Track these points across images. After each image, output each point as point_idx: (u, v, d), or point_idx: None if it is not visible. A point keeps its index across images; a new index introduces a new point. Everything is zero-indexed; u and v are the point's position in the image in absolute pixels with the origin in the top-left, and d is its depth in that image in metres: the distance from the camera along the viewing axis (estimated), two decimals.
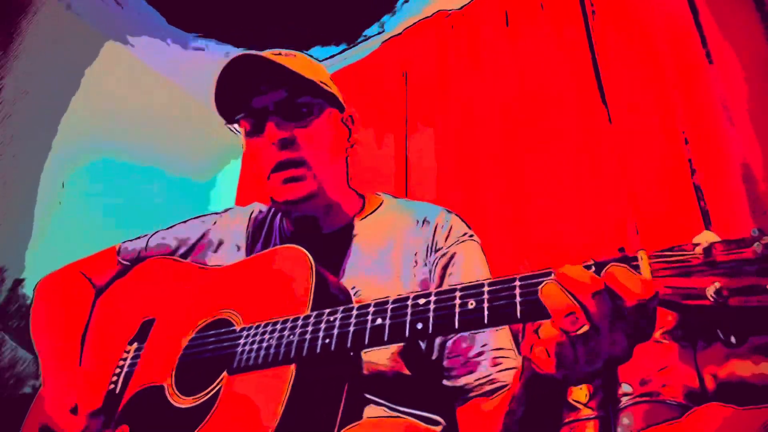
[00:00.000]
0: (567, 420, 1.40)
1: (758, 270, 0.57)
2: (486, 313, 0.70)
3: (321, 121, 1.10)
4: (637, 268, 0.62)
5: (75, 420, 0.98)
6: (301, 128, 1.07)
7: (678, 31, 1.99)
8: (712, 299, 0.57)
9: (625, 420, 1.34)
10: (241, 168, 2.97)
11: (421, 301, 0.77)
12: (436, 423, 0.98)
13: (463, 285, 0.75)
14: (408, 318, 0.76)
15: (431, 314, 0.75)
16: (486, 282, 0.73)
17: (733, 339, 0.58)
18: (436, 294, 0.76)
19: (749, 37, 1.82)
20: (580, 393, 1.44)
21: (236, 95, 1.08)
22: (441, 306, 0.74)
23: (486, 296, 0.71)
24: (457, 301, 0.73)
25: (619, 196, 1.93)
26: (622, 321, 0.61)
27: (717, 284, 0.58)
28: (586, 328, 0.61)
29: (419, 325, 0.75)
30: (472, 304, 0.72)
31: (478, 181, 2.27)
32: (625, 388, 1.38)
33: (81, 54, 2.73)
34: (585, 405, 1.41)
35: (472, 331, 0.95)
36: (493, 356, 0.95)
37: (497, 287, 0.71)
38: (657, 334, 1.39)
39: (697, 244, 0.61)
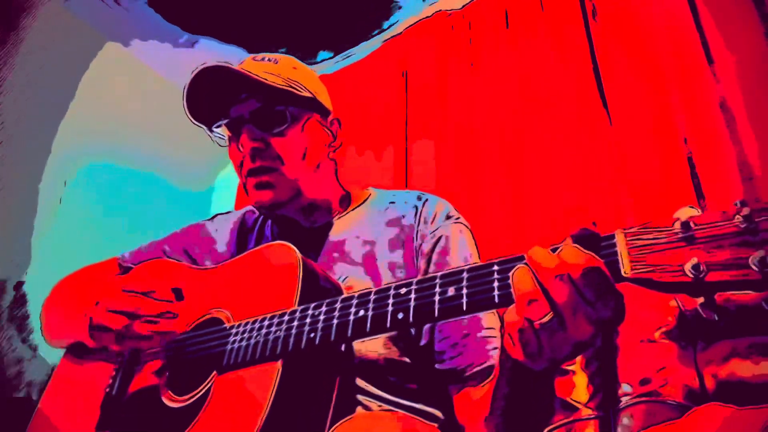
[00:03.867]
0: (567, 420, 1.40)
1: (739, 242, 0.54)
2: (465, 300, 0.70)
3: (297, 128, 1.10)
4: (613, 246, 0.62)
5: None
6: (276, 137, 1.08)
7: (678, 31, 1.98)
8: (690, 275, 0.55)
9: (625, 420, 1.34)
10: None
11: (403, 290, 0.77)
12: (433, 417, 0.98)
13: (444, 272, 0.75)
14: (390, 308, 0.76)
15: (412, 303, 0.75)
16: (466, 268, 0.73)
17: (715, 316, 0.56)
18: (417, 283, 0.76)
19: (749, 37, 1.82)
20: (580, 393, 1.44)
21: (214, 103, 1.10)
22: (421, 295, 0.74)
23: (465, 283, 0.71)
24: (437, 290, 0.73)
25: (619, 195, 1.93)
26: (584, 305, 0.60)
27: (694, 259, 0.55)
28: (549, 317, 0.60)
29: (400, 315, 0.75)
30: (451, 291, 0.71)
31: (479, 181, 2.28)
32: (625, 388, 1.38)
33: (81, 54, 2.73)
34: (585, 405, 1.41)
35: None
36: (484, 335, 0.95)
37: (476, 273, 0.71)
38: (657, 334, 1.39)
39: (677, 220, 0.58)
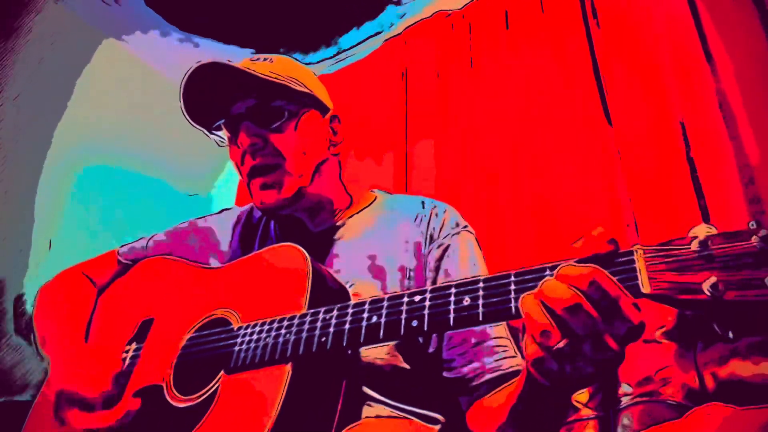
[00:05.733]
0: (567, 420, 1.40)
1: (755, 263, 0.55)
2: (481, 310, 0.70)
3: (295, 123, 1.09)
4: (632, 263, 0.62)
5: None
6: (275, 133, 1.07)
7: (678, 32, 1.98)
8: (708, 293, 0.56)
9: (625, 420, 1.34)
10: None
11: (417, 298, 0.76)
12: (435, 421, 0.98)
13: (459, 282, 0.74)
14: (403, 315, 0.76)
15: (426, 311, 0.74)
16: (481, 278, 0.72)
17: (730, 334, 0.57)
18: (432, 291, 0.76)
19: (749, 37, 1.82)
20: (580, 393, 1.44)
21: (212, 103, 1.09)
22: (436, 303, 0.74)
23: (481, 293, 0.71)
24: (452, 298, 0.73)
25: (618, 196, 1.93)
26: (601, 324, 0.59)
27: (713, 278, 0.57)
28: (562, 344, 0.59)
29: (414, 323, 0.75)
30: (467, 300, 0.71)
31: (479, 181, 2.27)
32: (625, 388, 1.38)
33: (80, 53, 2.73)
34: (585, 405, 1.41)
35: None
36: (493, 345, 0.96)
37: (492, 284, 0.71)
38: (657, 334, 1.39)
39: (694, 238, 0.60)
